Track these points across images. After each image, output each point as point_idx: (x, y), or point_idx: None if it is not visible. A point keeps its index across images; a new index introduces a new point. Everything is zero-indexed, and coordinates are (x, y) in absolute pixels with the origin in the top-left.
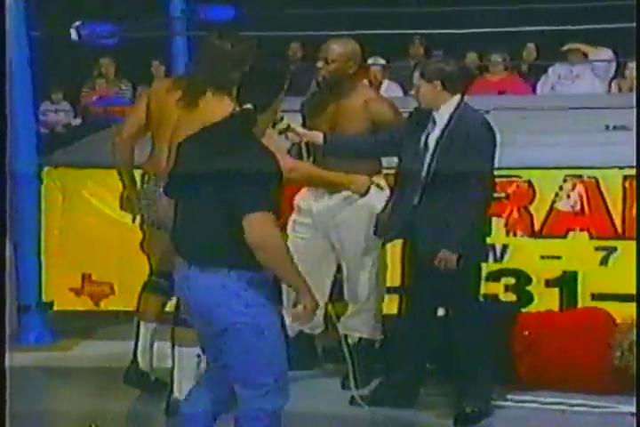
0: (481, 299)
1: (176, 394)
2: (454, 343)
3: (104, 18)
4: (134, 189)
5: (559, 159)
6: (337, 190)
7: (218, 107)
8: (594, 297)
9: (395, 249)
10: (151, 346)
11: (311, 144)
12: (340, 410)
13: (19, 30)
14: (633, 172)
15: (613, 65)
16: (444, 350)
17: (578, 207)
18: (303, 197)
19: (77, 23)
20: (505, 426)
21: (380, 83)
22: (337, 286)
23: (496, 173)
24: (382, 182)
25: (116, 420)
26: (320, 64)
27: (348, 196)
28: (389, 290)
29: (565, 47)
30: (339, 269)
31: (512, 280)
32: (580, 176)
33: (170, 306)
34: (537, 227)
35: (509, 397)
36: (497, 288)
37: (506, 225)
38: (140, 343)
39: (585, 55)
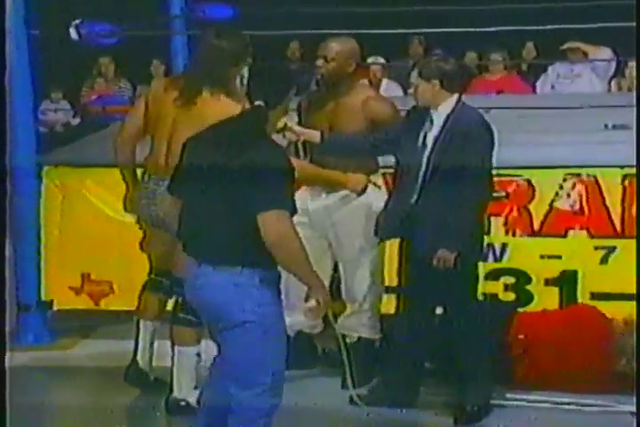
0: (480, 298)
1: (175, 393)
2: (452, 342)
3: (103, 17)
4: (138, 190)
5: (559, 158)
6: (334, 189)
7: (215, 104)
8: (593, 296)
9: (392, 248)
10: (151, 345)
11: (308, 143)
12: (339, 410)
13: (18, 29)
14: (633, 171)
15: (613, 64)
16: (443, 349)
17: (577, 206)
18: (299, 196)
19: (77, 22)
20: (505, 426)
21: (380, 82)
22: (335, 285)
23: (496, 172)
24: (380, 181)
25: (115, 419)
26: (319, 62)
27: (345, 195)
28: (387, 289)
29: (565, 46)
30: (336, 268)
31: (511, 279)
32: (580, 175)
33: (170, 305)
34: (536, 226)
35: (509, 396)
36: (496, 287)
37: (505, 224)
38: (139, 342)
39: (585, 54)
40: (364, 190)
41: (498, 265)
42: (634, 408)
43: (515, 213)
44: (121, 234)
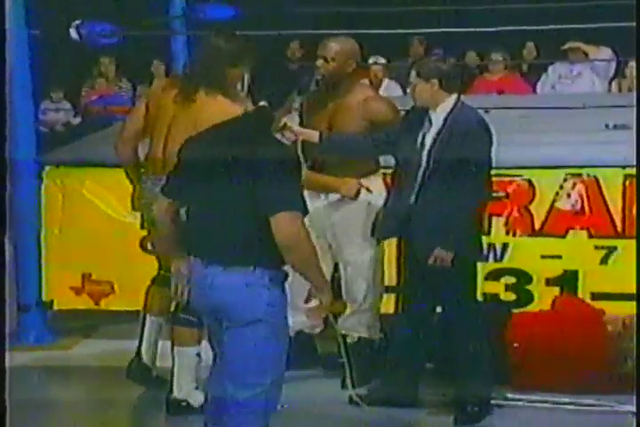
0: (480, 298)
1: (175, 393)
2: (452, 342)
3: (104, 17)
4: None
5: (559, 158)
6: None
7: (212, 104)
8: (594, 296)
9: (391, 248)
10: (155, 342)
11: (307, 145)
12: (339, 410)
13: (19, 29)
14: (633, 171)
15: (613, 64)
16: (443, 348)
17: (578, 206)
18: None
19: (77, 22)
20: (504, 426)
21: (381, 82)
22: (335, 285)
23: (496, 172)
24: (379, 182)
25: (116, 419)
26: (319, 62)
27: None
28: (386, 289)
29: (565, 46)
30: (336, 268)
31: (512, 279)
32: (580, 175)
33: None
34: (537, 226)
35: (509, 396)
36: (497, 287)
37: (506, 224)
38: (144, 337)
39: (585, 54)
40: (357, 195)
41: (498, 265)
42: (634, 408)
43: (515, 214)
44: (121, 234)
